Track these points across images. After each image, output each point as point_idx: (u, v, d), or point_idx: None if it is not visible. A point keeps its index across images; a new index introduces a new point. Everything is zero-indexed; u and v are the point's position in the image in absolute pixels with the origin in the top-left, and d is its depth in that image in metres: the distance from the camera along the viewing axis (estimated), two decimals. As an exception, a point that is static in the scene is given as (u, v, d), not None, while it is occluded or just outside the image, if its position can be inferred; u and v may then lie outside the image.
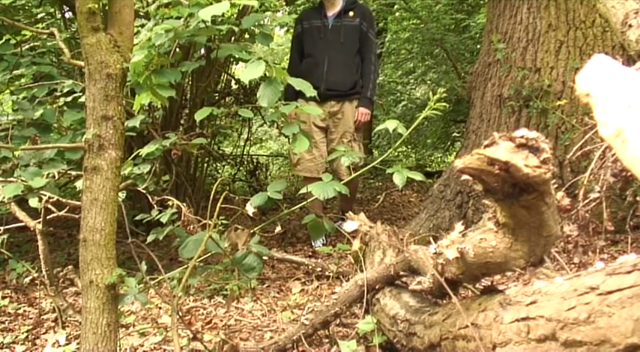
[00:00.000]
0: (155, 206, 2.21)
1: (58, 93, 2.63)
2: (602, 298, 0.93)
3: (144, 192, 2.22)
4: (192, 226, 1.89)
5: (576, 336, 0.96)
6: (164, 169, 3.18)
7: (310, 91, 1.85)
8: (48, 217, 2.24)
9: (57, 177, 2.33)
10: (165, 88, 1.72)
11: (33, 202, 2.15)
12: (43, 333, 2.35)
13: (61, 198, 2.15)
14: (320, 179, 2.04)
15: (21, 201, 2.32)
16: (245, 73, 1.65)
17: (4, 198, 2.14)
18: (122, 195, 2.16)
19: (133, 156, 2.23)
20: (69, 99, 2.61)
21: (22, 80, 3.02)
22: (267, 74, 1.71)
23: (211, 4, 1.59)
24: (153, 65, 1.67)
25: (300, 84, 1.86)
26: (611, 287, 0.92)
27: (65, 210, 2.20)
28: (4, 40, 2.98)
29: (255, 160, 5.40)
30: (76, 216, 1.80)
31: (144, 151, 2.14)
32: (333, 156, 2.15)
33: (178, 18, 1.72)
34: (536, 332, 1.07)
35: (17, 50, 2.97)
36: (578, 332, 0.96)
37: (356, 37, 3.71)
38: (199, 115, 1.95)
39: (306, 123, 3.58)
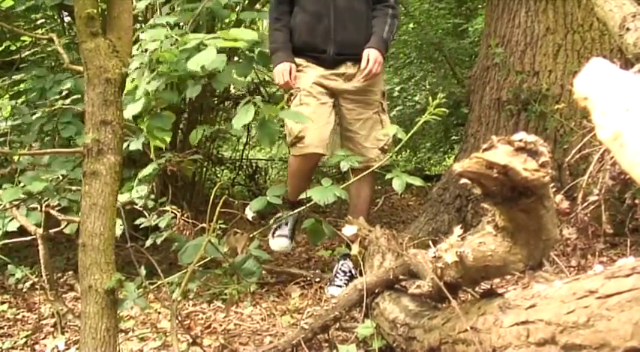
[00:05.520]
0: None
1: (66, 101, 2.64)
2: (601, 301, 0.93)
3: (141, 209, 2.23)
4: (187, 232, 1.90)
5: (576, 340, 0.96)
6: (162, 189, 3.12)
7: (303, 118, 1.83)
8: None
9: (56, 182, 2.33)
10: (163, 131, 1.83)
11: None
12: (43, 338, 2.34)
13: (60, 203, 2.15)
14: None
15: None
16: (237, 120, 1.71)
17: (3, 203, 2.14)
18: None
19: (134, 175, 2.26)
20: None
21: (22, 85, 3.03)
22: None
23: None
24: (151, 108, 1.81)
25: (293, 115, 1.89)
26: (610, 291, 0.93)
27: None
28: (3, 47, 3.00)
29: (254, 164, 5.40)
30: (76, 220, 1.80)
31: (141, 174, 2.16)
32: (334, 160, 1.98)
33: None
34: (535, 335, 1.07)
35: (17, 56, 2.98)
36: (578, 336, 0.96)
37: None
38: (193, 138, 2.08)
39: (307, 89, 2.59)
